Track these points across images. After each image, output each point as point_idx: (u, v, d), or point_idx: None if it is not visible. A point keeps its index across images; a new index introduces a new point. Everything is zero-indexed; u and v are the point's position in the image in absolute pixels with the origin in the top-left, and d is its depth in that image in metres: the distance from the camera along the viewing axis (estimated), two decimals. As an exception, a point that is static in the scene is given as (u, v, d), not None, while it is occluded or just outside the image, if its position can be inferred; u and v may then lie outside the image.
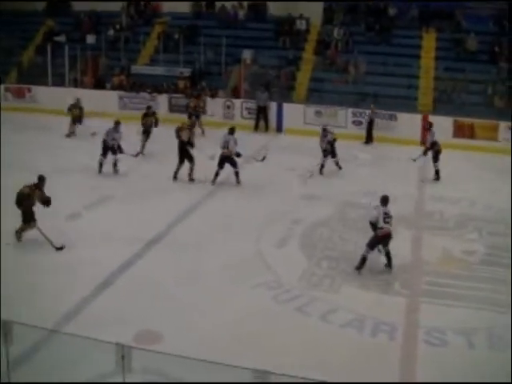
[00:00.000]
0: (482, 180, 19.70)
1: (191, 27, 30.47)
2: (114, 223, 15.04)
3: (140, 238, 14.16)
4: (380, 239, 12.93)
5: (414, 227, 15.66)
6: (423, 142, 22.14)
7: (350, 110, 25.56)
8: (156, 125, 21.94)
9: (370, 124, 24.90)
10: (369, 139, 24.81)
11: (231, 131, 18.38)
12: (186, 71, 28.51)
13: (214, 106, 26.83)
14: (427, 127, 21.00)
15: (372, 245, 12.94)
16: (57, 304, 11.08)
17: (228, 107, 26.73)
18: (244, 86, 27.78)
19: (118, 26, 31.45)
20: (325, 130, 20.08)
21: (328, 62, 28.56)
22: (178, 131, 18.74)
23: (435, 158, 19.58)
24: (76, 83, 29.53)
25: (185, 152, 18.49)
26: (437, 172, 19.61)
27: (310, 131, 24.27)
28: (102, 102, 26.58)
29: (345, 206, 17.04)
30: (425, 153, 19.81)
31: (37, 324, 8.90)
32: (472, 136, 23.64)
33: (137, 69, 29.40)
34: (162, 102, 27.34)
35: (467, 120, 24.33)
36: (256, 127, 26.17)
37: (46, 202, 13.65)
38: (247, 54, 28.64)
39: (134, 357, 7.73)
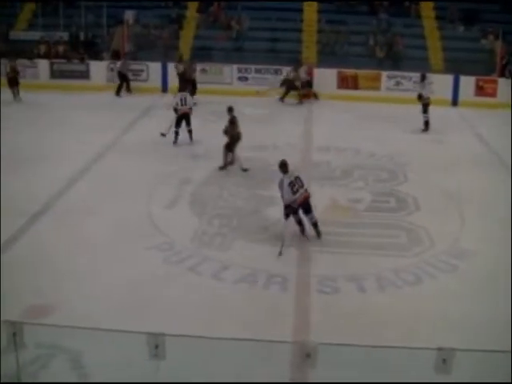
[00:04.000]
0: (365, 129, 20.15)
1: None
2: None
3: (24, 210, 13.60)
4: (297, 208, 12.28)
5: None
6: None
7: (235, 66, 25.50)
8: None
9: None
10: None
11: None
12: (65, 35, 27.75)
13: (98, 69, 26.26)
14: (420, 80, 21.30)
15: (287, 215, 12.22)
16: None
17: (112, 70, 26.12)
18: (128, 48, 27.26)
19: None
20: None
21: (211, 20, 28.37)
22: None
23: (424, 110, 20.24)
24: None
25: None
26: (426, 123, 20.30)
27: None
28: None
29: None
30: None
31: None
32: (355, 86, 24.02)
33: (15, 34, 28.29)
34: (43, 69, 26.52)
35: (350, 71, 24.78)
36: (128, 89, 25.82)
37: None
38: (129, 15, 28.09)
39: (26, 332, 7.47)
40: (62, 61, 26.64)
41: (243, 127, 16.94)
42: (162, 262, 11.65)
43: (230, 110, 16.86)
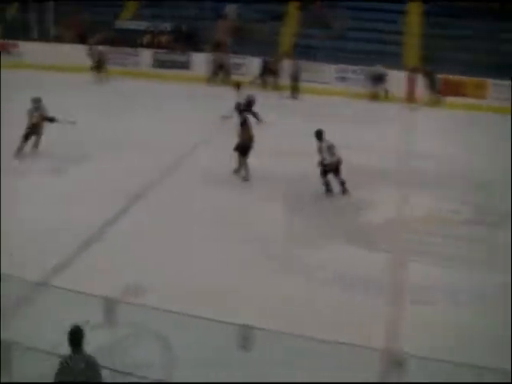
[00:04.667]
0: (467, 137, 19.68)
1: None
2: (96, 180, 14.94)
3: (125, 193, 14.13)
4: (330, 168, 14.67)
5: (399, 184, 15.60)
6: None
7: (334, 66, 25.33)
8: None
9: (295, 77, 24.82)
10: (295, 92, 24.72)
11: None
12: (169, 26, 28.25)
13: (198, 61, 26.63)
14: None
15: (323, 173, 14.75)
16: (44, 257, 11.01)
17: (213, 62, 26.38)
18: (228, 41, 27.47)
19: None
20: None
21: (312, 18, 28.26)
22: None
23: None
24: (59, 38, 29.06)
25: None
26: None
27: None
28: (85, 58, 26.08)
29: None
30: None
31: (24, 277, 8.99)
32: (460, 93, 23.48)
33: (120, 23, 29.11)
34: (145, 57, 27.06)
35: (454, 77, 24.18)
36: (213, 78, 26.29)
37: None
38: (231, 9, 28.34)
39: (120, 311, 7.80)
40: (165, 51, 27.09)
41: (339, 127, 16.82)
42: (256, 255, 11.72)
43: (241, 111, 16.48)
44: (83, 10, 29.66)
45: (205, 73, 26.24)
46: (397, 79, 24.53)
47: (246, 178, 15.59)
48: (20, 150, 16.15)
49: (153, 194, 14.47)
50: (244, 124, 16.15)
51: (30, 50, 28.18)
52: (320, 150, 14.59)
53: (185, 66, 26.66)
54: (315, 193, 14.91)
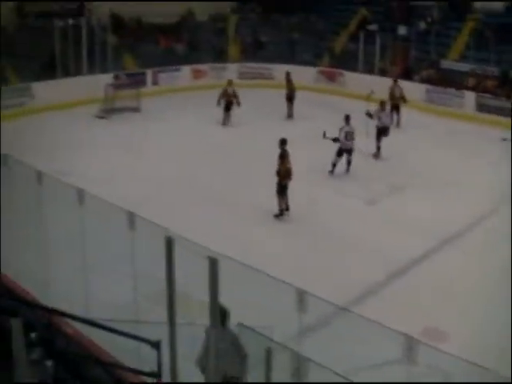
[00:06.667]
0: None
1: (504, 25, 29.19)
2: (411, 213, 15.43)
3: (438, 232, 14.34)
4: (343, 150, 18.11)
5: None
6: None
7: None
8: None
9: None
10: None
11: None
12: (496, 70, 27.95)
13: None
14: None
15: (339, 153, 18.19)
16: (350, 284, 11.67)
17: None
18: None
19: (429, 19, 31.45)
20: None
21: None
22: None
23: None
24: (384, 72, 30.30)
25: None
26: None
27: None
28: (407, 93, 26.66)
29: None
30: None
31: (329, 299, 9.26)
32: None
33: (446, 64, 29.39)
34: (468, 100, 27.11)
35: None
36: None
37: None
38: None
39: (419, 351, 7.68)
40: (489, 95, 26.91)
41: None
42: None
43: (283, 142, 15.36)
44: (411, 47, 30.63)
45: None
46: None
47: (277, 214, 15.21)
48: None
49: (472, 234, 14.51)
50: (282, 157, 15.25)
51: (354, 80, 29.95)
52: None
53: (506, 113, 25.99)
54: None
